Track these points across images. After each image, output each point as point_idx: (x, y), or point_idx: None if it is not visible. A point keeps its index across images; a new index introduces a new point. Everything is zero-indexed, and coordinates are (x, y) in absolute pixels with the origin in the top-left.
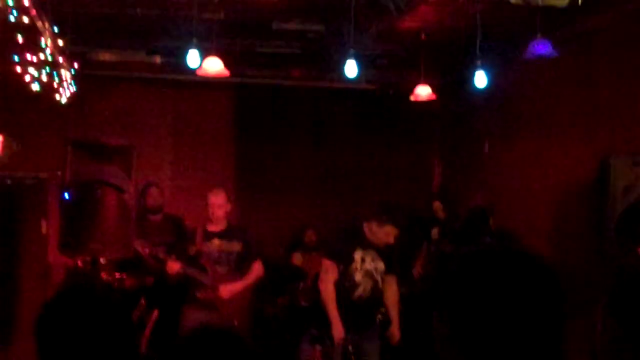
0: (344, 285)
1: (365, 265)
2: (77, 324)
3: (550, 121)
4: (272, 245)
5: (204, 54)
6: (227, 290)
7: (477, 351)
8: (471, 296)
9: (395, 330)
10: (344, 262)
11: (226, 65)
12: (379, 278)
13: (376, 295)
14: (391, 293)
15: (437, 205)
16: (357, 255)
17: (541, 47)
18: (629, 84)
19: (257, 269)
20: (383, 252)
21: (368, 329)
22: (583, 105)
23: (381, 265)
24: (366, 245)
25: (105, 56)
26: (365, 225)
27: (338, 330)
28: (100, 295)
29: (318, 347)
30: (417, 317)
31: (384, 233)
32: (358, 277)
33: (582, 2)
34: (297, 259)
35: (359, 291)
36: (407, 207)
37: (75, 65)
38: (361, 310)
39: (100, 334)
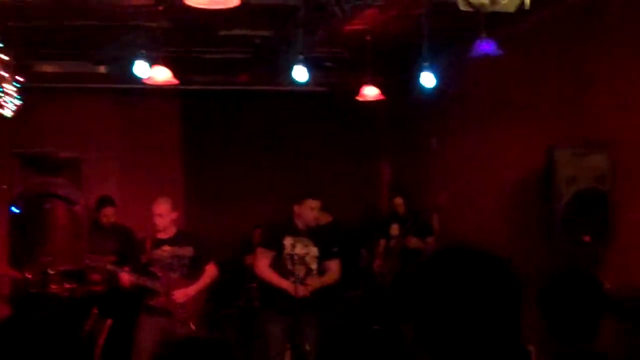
0: (278, 273)
1: (296, 250)
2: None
3: (497, 117)
4: (224, 249)
5: (150, 63)
6: (181, 294)
7: (442, 352)
8: (430, 298)
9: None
10: (276, 249)
11: (174, 73)
12: (313, 265)
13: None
14: (330, 274)
15: (398, 200)
16: (287, 241)
17: (486, 46)
18: (571, 77)
19: (210, 271)
20: (316, 236)
21: (306, 314)
22: (528, 100)
23: (314, 251)
24: (296, 232)
25: (50, 68)
26: (293, 212)
27: (291, 288)
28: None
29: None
30: (378, 312)
31: (308, 208)
32: (289, 265)
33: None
34: (250, 259)
35: (292, 279)
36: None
37: (20, 78)
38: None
39: (48, 349)
